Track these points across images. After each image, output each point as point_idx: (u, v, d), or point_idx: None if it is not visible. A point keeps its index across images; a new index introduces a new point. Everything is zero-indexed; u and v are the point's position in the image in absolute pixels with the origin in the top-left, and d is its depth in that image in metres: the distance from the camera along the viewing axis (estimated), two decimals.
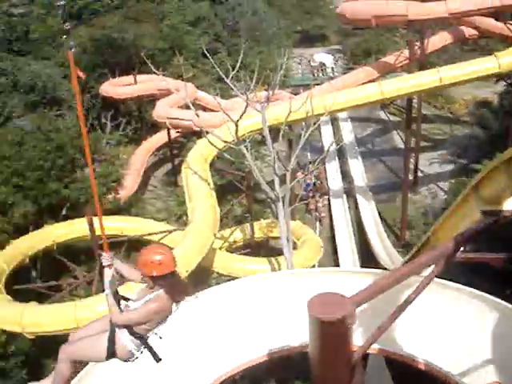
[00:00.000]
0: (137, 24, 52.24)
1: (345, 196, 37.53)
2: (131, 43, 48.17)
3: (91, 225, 22.13)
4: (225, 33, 58.79)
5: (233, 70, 21.36)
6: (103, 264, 6.23)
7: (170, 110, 32.97)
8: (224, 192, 31.98)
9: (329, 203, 37.04)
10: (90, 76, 43.29)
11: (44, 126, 29.14)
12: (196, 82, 39.79)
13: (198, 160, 25.88)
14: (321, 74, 57.33)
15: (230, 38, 58.36)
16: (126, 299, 6.29)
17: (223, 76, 21.76)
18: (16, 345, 20.38)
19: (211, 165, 27.55)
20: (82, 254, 27.85)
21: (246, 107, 20.33)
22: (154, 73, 25.34)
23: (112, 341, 5.99)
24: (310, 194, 36.18)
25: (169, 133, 38.51)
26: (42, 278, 26.41)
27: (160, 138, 41.76)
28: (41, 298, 23.08)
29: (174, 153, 40.61)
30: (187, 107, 25.48)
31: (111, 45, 47.67)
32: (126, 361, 6.20)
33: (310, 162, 36.15)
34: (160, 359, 6.19)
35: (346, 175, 40.32)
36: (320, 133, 45.28)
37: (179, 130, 36.68)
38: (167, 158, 42.52)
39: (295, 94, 36.86)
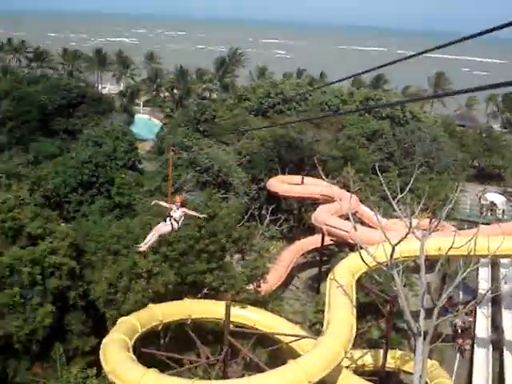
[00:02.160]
0: (316, 129, 54.35)
1: (490, 346, 34.53)
2: (307, 146, 50.15)
3: (228, 311, 22.41)
4: (399, 153, 59.08)
5: (401, 192, 21.12)
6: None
7: (329, 217, 33.26)
8: (364, 310, 30.89)
9: (472, 347, 34.36)
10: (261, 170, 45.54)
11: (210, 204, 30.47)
12: (360, 195, 39.95)
13: (345, 273, 25.50)
14: (490, 214, 55.05)
15: (403, 159, 58.50)
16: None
17: (389, 196, 21.59)
18: None
19: (357, 280, 26.96)
20: (210, 334, 28.16)
21: (408, 233, 19.79)
22: (322, 178, 25.85)
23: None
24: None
25: (323, 238, 38.65)
26: (167, 347, 26.98)
27: (313, 241, 42.02)
28: (161, 365, 23.48)
29: (323, 259, 40.52)
30: (347, 218, 25.50)
31: (289, 143, 49.97)
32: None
33: (462, 303, 34.11)
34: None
35: (496, 324, 37.23)
36: (477, 274, 42.61)
37: (333, 239, 36.69)
38: (315, 263, 42.51)
39: (459, 229, 35.44)
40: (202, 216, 20.77)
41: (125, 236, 28.52)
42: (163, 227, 18.35)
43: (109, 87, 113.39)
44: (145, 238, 19.05)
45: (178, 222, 18.15)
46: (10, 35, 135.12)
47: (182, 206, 18.49)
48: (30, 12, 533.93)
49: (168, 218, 18.17)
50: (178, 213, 18.10)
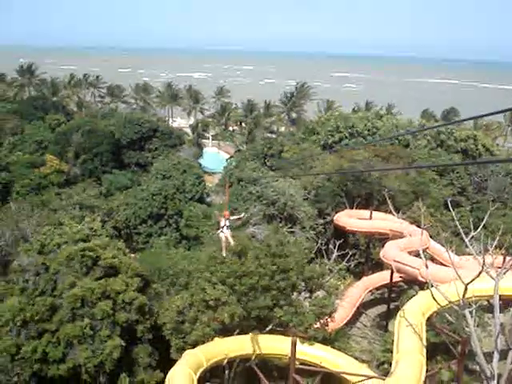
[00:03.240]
0: (385, 162, 53.62)
1: None
2: (376, 179, 49.44)
3: (294, 347, 22.07)
4: (471, 188, 57.42)
5: (474, 228, 20.39)
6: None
7: (398, 253, 32.47)
8: (434, 351, 29.72)
9: None
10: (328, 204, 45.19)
11: (275, 239, 30.29)
12: (431, 231, 38.83)
13: (415, 312, 24.64)
14: None
15: (475, 194, 56.80)
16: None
17: (461, 232, 20.87)
18: None
19: (428, 319, 26.03)
20: (276, 370, 27.76)
21: (481, 272, 19.00)
22: (392, 213, 25.34)
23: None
24: None
25: (391, 275, 37.71)
26: (232, 381, 26.75)
27: (382, 277, 41.09)
28: None
29: (392, 296, 39.48)
30: (417, 255, 24.81)
31: (357, 177, 49.46)
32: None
33: None
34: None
35: None
36: None
37: (403, 275, 35.74)
38: (383, 300, 41.49)
39: None
40: (242, 216, 31.02)
41: (194, 269, 28.79)
42: (220, 234, 25.67)
43: (179, 121, 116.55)
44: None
45: (224, 228, 25.24)
46: (87, 70, 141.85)
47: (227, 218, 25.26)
48: (97, 49, 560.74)
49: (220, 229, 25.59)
50: (222, 222, 25.13)
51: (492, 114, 6.36)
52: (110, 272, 27.10)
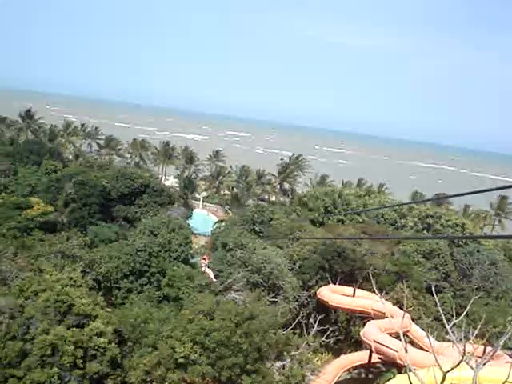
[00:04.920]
0: (371, 241, 53.83)
1: None
2: (360, 257, 49.49)
3: None
4: (455, 274, 57.47)
5: (457, 315, 20.29)
6: None
7: (379, 334, 32.17)
8: None
9: None
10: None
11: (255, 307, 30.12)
12: (413, 314, 38.61)
13: None
14: None
15: (459, 280, 56.82)
16: None
17: (443, 318, 20.73)
18: None
19: None
20: None
21: (461, 361, 18.75)
22: (375, 292, 25.27)
23: None
24: None
25: (370, 355, 37.12)
26: None
27: (360, 357, 40.37)
28: None
29: (369, 377, 38.75)
30: (397, 337, 24.57)
31: (339, 254, 49.42)
32: None
33: None
34: None
35: None
36: None
37: (381, 357, 35.21)
38: (360, 380, 40.66)
39: None
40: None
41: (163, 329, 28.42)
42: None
43: (172, 180, 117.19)
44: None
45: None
46: (85, 121, 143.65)
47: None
48: (103, 102, 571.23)
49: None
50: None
51: (471, 193, 6.45)
52: (84, 321, 26.67)
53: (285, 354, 30.50)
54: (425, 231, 67.46)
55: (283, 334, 31.01)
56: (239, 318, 27.73)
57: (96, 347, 25.47)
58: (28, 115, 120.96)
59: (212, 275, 26.23)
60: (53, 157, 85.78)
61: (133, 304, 38.60)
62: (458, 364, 18.75)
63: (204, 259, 51.05)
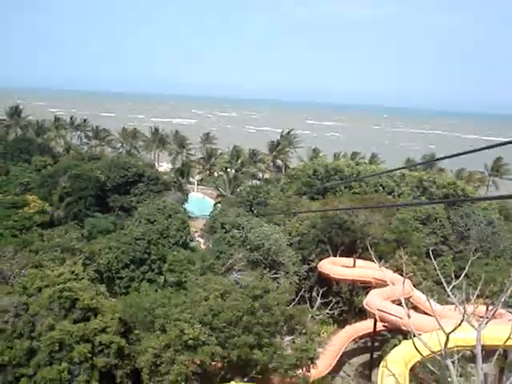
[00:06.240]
0: (369, 211, 54.02)
1: None
2: (359, 228, 49.71)
3: None
4: (453, 237, 57.78)
5: (456, 277, 20.51)
6: None
7: (382, 302, 32.48)
8: None
9: None
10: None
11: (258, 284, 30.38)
12: (414, 280, 38.94)
13: (398, 362, 24.46)
14: None
15: (457, 243, 57.12)
16: None
17: (443, 281, 20.94)
18: None
19: (411, 369, 25.81)
20: None
21: (462, 321, 19.00)
22: (375, 261, 25.46)
23: None
24: None
25: (375, 324, 37.53)
26: None
27: (365, 326, 40.85)
28: None
29: (375, 345, 39.19)
30: (400, 304, 24.81)
31: (340, 225, 49.65)
32: None
33: None
34: None
35: None
36: None
37: (386, 324, 35.60)
38: (367, 349, 41.13)
39: None
40: None
41: (171, 312, 28.56)
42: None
43: (165, 166, 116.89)
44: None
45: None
46: (73, 113, 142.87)
47: None
48: (93, 93, 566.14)
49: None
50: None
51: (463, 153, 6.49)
52: (89, 314, 26.79)
53: (297, 327, 30.95)
54: (422, 197, 67.75)
55: (297, 309, 31.50)
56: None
57: (101, 343, 25.60)
58: (16, 112, 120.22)
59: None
60: (43, 152, 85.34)
61: (139, 292, 38.79)
62: (460, 324, 19.00)
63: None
